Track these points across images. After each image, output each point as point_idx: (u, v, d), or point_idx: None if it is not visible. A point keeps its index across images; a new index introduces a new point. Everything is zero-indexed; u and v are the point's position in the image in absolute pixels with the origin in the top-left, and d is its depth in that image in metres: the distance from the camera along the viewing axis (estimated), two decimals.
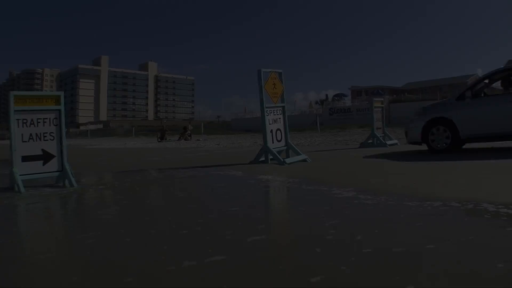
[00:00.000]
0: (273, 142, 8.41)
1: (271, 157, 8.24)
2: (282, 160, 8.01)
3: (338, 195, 4.48)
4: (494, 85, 10.12)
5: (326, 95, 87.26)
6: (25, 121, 5.71)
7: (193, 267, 2.30)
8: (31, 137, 5.77)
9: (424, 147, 9.21)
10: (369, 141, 13.20)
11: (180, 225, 3.41)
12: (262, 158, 8.38)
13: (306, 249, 2.61)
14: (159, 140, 30.80)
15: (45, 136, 5.90)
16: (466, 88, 8.88)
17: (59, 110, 6.04)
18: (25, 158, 5.70)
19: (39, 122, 5.84)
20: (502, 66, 8.90)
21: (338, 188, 4.93)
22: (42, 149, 5.87)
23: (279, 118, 8.75)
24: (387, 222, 3.29)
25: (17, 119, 5.64)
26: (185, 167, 8.55)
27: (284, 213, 4.24)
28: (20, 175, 5.58)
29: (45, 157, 5.90)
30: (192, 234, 3.07)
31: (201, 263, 2.35)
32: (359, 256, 2.39)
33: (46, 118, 5.91)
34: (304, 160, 8.44)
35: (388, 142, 13.03)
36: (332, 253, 2.49)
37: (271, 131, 8.44)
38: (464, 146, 9.31)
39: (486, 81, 9.25)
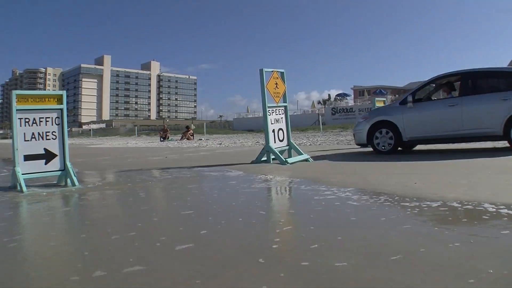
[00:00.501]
0: (275, 142, 8.41)
1: (273, 157, 8.24)
2: (284, 159, 8.02)
3: (331, 196, 4.46)
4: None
5: (329, 95, 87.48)
6: (27, 120, 5.73)
7: (103, 277, 2.20)
8: (33, 136, 5.79)
9: (426, 147, 9.24)
10: None
11: (116, 230, 3.30)
12: (264, 158, 8.39)
13: (239, 263, 2.40)
14: (161, 139, 30.83)
15: (47, 135, 5.92)
16: (409, 92, 9.38)
17: (61, 109, 6.06)
18: (27, 157, 5.72)
19: (41, 121, 5.86)
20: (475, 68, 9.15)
21: (338, 188, 4.92)
22: (44, 148, 5.89)
23: (281, 118, 8.76)
24: (358, 227, 3.16)
25: (19, 118, 5.66)
26: (186, 167, 8.56)
27: (250, 216, 3.79)
28: (22, 174, 5.60)
29: (47, 156, 5.92)
30: (123, 240, 2.99)
31: (116, 273, 2.26)
32: (293, 272, 2.19)
33: (48, 117, 5.93)
34: (306, 160, 8.45)
35: None
36: (269, 267, 2.30)
37: (273, 130, 8.44)
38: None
39: (432, 85, 9.83)
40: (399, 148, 9.42)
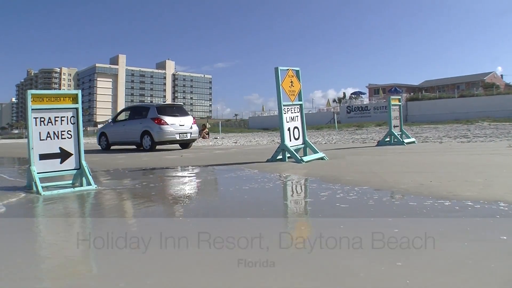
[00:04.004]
0: (290, 140, 8.34)
1: (288, 155, 8.19)
2: (300, 158, 7.95)
3: (339, 195, 4.39)
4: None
5: (344, 93, 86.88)
6: (42, 119, 5.72)
7: None
8: (48, 135, 5.77)
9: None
10: (386, 140, 13.08)
11: None
12: (280, 156, 8.33)
13: None
14: None
15: (63, 135, 5.90)
16: (114, 116, 17.58)
17: (76, 108, 6.05)
18: (42, 156, 5.71)
19: (57, 120, 5.84)
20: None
21: (353, 187, 4.88)
22: (60, 147, 5.87)
23: (297, 116, 8.69)
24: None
25: (34, 118, 5.65)
26: (201, 165, 8.53)
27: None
28: (38, 173, 5.60)
29: (63, 155, 5.90)
30: None
31: None
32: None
33: (64, 116, 5.90)
34: (322, 158, 8.37)
35: (406, 141, 12.91)
36: None
37: (289, 129, 8.37)
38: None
39: (124, 112, 17.86)
40: (111, 147, 16.52)
